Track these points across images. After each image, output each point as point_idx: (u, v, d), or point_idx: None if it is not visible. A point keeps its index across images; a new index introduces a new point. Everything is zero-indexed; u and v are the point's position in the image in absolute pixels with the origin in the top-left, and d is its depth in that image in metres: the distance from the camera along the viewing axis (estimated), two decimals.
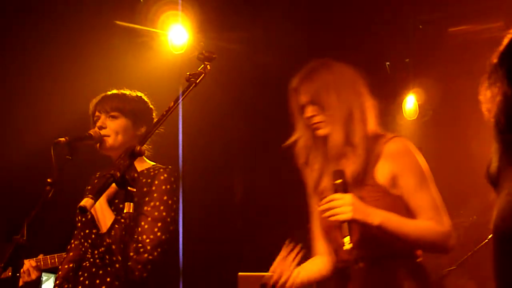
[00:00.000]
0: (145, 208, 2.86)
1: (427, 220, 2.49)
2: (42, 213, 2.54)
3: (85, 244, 2.94)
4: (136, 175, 2.05)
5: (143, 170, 2.98)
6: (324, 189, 2.64)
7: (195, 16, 4.99)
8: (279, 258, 2.57)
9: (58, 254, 3.29)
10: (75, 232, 3.12)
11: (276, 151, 2.86)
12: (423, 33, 5.49)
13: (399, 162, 2.55)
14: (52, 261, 3.29)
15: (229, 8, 5.12)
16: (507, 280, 1.38)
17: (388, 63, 6.00)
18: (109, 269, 2.82)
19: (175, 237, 3.00)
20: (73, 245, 3.13)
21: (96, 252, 2.88)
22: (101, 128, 2.96)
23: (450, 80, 5.68)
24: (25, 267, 3.13)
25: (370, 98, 2.67)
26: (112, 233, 2.78)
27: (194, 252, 5.25)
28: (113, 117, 2.98)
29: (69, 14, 4.71)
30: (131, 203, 2.07)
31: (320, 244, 2.79)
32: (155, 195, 2.89)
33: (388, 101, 6.06)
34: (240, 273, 2.59)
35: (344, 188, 2.47)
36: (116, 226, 2.79)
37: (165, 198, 2.89)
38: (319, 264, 2.77)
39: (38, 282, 3.19)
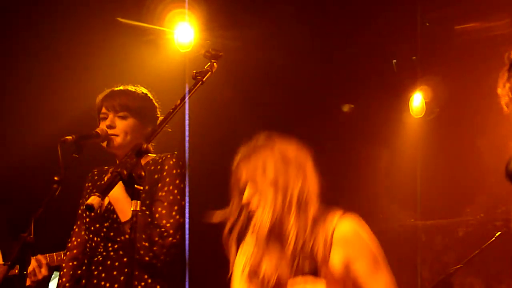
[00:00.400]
0: (160, 193, 2.90)
1: None
2: (48, 211, 2.54)
3: (95, 239, 2.94)
4: (143, 173, 2.05)
5: (148, 161, 3.00)
6: (266, 275, 2.50)
7: (201, 14, 4.99)
8: None
9: (62, 252, 3.27)
10: (76, 229, 3.13)
11: None
12: (430, 31, 5.46)
13: (350, 248, 2.48)
14: (59, 258, 3.28)
15: (235, 6, 5.12)
16: None
17: (394, 60, 5.97)
18: (125, 259, 2.83)
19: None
20: (75, 243, 3.12)
21: (110, 244, 2.89)
22: (110, 127, 2.98)
23: (457, 78, 5.65)
24: (31, 267, 3.07)
25: (314, 178, 2.54)
26: (134, 220, 2.77)
27: (200, 246, 5.24)
28: (122, 117, 3.01)
29: (75, 12, 4.71)
30: (138, 201, 2.08)
31: None
32: (167, 179, 2.93)
33: (394, 99, 6.05)
34: None
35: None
36: (139, 213, 2.78)
37: (177, 181, 2.94)
38: None
39: (48, 279, 3.19)
